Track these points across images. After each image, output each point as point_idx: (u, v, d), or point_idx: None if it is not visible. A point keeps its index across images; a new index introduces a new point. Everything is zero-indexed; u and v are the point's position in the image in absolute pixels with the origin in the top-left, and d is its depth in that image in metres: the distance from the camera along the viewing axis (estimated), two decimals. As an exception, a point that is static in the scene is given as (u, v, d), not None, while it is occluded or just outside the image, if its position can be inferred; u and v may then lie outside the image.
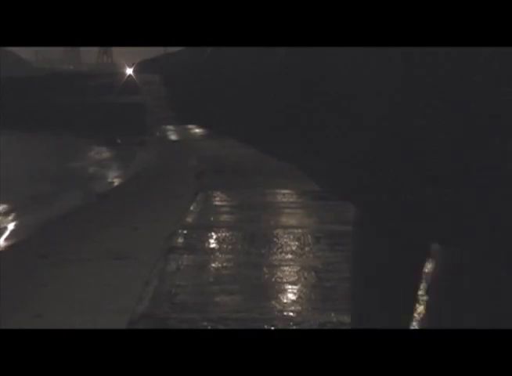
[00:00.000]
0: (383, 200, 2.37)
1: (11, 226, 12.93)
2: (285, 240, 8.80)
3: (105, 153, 28.00)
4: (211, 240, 8.96)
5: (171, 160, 22.77)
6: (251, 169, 15.48)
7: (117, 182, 19.50)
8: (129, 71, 51.29)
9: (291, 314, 6.05)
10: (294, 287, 6.81)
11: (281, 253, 8.12)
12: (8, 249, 10.51)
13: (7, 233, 12.19)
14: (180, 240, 9.01)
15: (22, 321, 6.15)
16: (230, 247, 8.56)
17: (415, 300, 2.69)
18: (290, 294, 6.36)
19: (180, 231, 9.51)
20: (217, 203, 12.31)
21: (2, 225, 12.89)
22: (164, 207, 12.62)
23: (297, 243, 8.63)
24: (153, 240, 9.49)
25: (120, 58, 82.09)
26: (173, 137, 32.36)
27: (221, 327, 5.67)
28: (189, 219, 10.58)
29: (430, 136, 2.38)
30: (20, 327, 5.36)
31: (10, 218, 13.76)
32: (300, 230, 9.39)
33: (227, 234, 9.26)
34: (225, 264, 7.71)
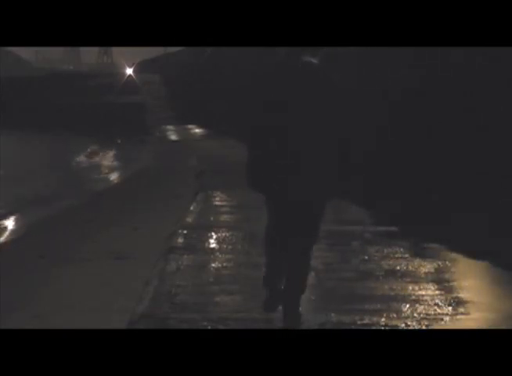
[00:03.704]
0: None
1: (11, 226, 12.93)
2: (285, 240, 8.77)
3: (105, 153, 28.00)
4: (211, 240, 8.95)
5: (171, 160, 22.76)
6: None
7: (117, 181, 19.49)
8: (129, 71, 51.29)
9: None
10: (294, 287, 6.79)
11: (281, 253, 8.10)
12: (8, 249, 10.50)
13: (7, 233, 12.19)
14: (180, 240, 9.00)
15: (22, 321, 6.15)
16: (230, 247, 8.56)
17: None
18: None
19: (180, 231, 9.51)
20: (217, 203, 12.31)
21: (2, 225, 12.89)
22: (164, 207, 12.61)
23: (297, 243, 8.60)
24: (153, 240, 9.48)
25: (120, 58, 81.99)
26: (173, 137, 32.34)
27: (221, 327, 5.66)
28: (189, 219, 10.58)
29: None
30: (20, 327, 5.35)
31: (10, 218, 13.76)
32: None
33: (227, 234, 9.26)
34: (225, 264, 7.70)
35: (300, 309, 5.72)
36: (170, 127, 36.73)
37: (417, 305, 6.22)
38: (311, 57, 5.31)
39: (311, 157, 5.31)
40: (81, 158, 26.41)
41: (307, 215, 5.51)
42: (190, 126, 35.89)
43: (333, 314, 5.97)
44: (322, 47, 5.28)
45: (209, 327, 5.64)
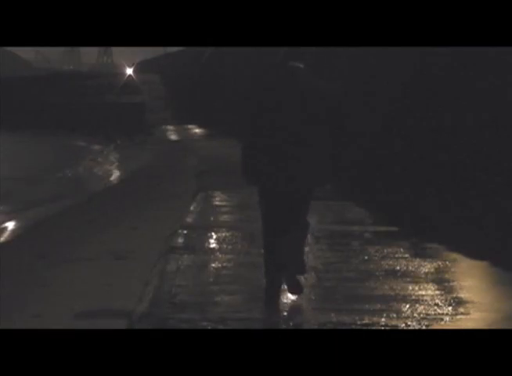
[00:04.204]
0: None
1: (11, 227, 12.93)
2: (285, 240, 8.75)
3: (104, 153, 27.99)
4: (211, 240, 8.95)
5: (171, 160, 22.77)
6: (251, 169, 15.42)
7: (116, 182, 19.49)
8: (129, 71, 51.26)
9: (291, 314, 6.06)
10: (294, 287, 6.79)
11: (281, 253, 8.08)
12: (8, 249, 10.49)
13: (7, 234, 12.19)
14: (180, 240, 9.00)
15: (22, 321, 6.14)
16: (230, 247, 8.56)
17: None
18: (290, 294, 6.36)
19: (180, 231, 9.51)
20: (217, 203, 12.31)
21: (2, 226, 12.89)
22: (164, 207, 12.61)
23: (297, 243, 8.59)
24: (153, 240, 9.48)
25: (120, 58, 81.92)
26: (173, 137, 32.34)
27: (221, 327, 5.66)
28: (189, 219, 10.58)
29: None
30: (20, 327, 5.35)
31: (10, 218, 13.75)
32: (300, 230, 9.35)
33: (227, 234, 9.26)
34: (225, 264, 7.71)
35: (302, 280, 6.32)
36: (170, 127, 36.72)
37: (417, 305, 6.22)
38: (299, 62, 5.78)
39: (299, 154, 5.83)
40: (81, 158, 26.40)
41: (294, 206, 6.05)
42: (190, 126, 35.88)
43: (333, 314, 5.97)
44: (311, 53, 5.81)
45: (209, 327, 5.64)
